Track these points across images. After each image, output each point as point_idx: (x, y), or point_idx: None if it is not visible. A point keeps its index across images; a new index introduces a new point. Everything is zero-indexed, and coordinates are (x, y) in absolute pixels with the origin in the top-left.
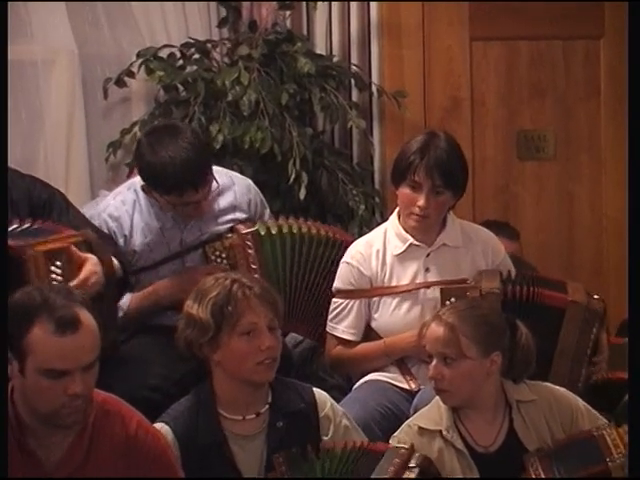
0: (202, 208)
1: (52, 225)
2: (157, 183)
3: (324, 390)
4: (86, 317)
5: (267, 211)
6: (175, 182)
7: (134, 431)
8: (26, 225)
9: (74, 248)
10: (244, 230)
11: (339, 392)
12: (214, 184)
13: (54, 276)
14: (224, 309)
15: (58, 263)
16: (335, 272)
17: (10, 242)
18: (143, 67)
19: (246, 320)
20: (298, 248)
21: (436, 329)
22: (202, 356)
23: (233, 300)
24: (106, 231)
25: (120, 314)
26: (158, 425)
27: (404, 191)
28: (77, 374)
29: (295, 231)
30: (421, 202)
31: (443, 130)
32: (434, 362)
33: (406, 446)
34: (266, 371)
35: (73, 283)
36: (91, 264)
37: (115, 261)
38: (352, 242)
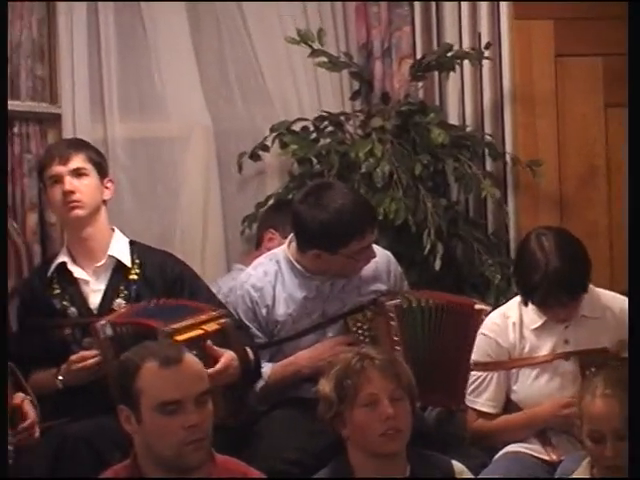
0: (372, 252)
1: (193, 303)
2: (336, 237)
3: (464, 447)
4: (188, 354)
5: (405, 283)
6: (356, 226)
7: None
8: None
9: (209, 341)
10: (387, 302)
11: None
12: None
13: None
14: (344, 383)
15: (194, 352)
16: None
17: (148, 321)
18: (277, 141)
19: (365, 392)
20: (439, 319)
21: (610, 406)
22: (334, 431)
23: (351, 373)
24: (249, 302)
25: (261, 384)
26: None
27: None
28: (189, 405)
29: (437, 303)
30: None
31: (553, 231)
32: (611, 440)
33: None
34: (391, 442)
35: (209, 372)
36: (228, 357)
37: (249, 352)
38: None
